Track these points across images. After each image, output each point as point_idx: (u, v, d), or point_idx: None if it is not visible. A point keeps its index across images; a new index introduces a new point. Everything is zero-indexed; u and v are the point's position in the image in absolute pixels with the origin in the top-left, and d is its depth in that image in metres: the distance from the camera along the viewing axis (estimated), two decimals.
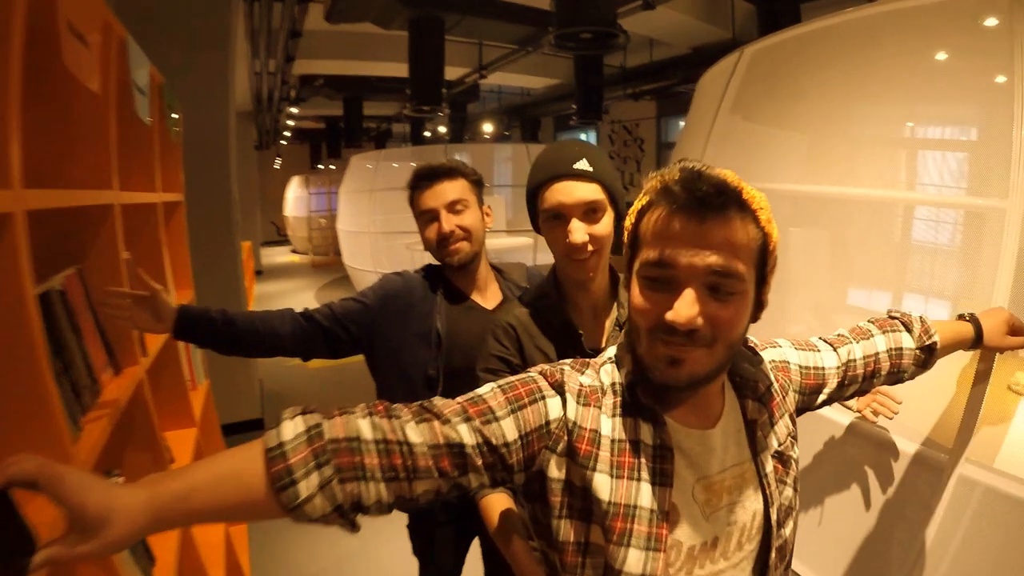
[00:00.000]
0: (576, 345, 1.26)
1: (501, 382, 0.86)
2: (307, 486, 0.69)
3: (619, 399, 0.86)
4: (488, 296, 1.69)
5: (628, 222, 0.88)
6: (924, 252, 1.65)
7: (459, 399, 0.83)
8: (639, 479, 0.81)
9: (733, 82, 2.54)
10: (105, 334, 1.43)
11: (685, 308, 0.75)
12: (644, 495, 0.81)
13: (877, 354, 1.08)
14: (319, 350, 1.59)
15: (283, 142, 16.20)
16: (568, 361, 0.93)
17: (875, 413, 1.40)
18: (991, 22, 1.49)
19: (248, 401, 4.61)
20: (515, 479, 0.83)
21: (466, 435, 0.77)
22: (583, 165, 1.19)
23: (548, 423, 0.82)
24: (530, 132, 13.92)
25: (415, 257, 8.97)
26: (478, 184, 1.65)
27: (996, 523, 1.17)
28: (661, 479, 0.81)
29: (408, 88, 6.43)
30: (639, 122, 11.76)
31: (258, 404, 4.71)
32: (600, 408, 0.85)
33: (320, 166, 18.13)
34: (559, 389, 0.85)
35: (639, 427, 0.83)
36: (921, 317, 1.14)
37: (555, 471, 0.82)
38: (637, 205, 0.86)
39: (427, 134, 13.69)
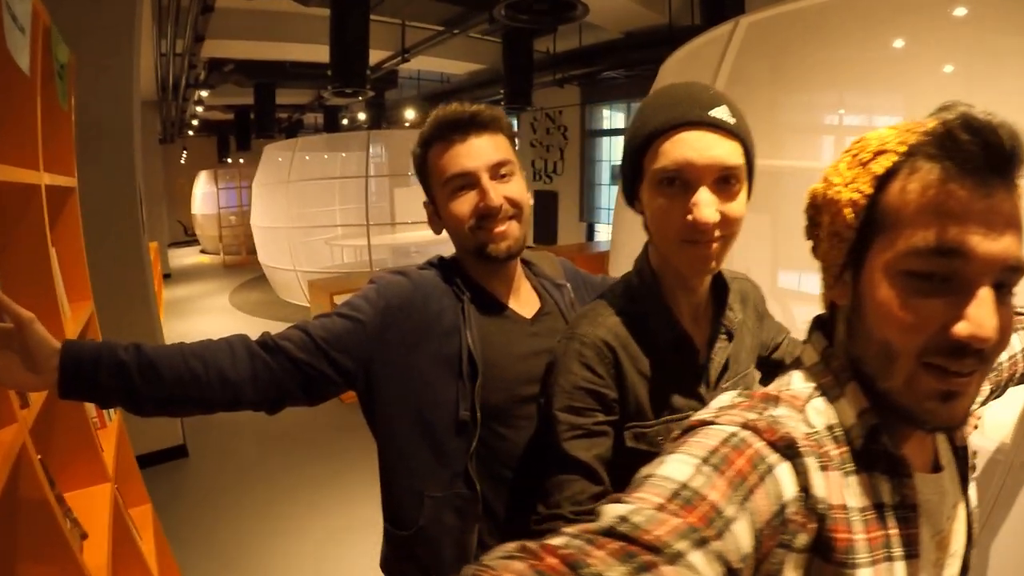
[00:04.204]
0: (689, 366, 0.95)
1: (699, 451, 0.56)
2: None
3: (846, 448, 0.62)
4: (522, 300, 1.21)
5: (848, 194, 0.60)
6: None
7: (655, 494, 0.52)
8: (891, 558, 0.61)
9: (727, 57, 2.35)
10: None
11: (988, 316, 0.54)
12: None
13: (1015, 355, 0.92)
14: (292, 397, 1.05)
15: (190, 133, 15.11)
16: (736, 396, 0.65)
17: None
18: None
19: (167, 426, 4.04)
20: None
21: (706, 569, 0.48)
22: (723, 114, 0.84)
23: (783, 508, 0.56)
24: None
25: (334, 253, 8.56)
26: (514, 142, 1.17)
27: None
28: (909, 549, 0.62)
29: (329, 70, 5.90)
30: (562, 109, 11.58)
31: (179, 428, 4.15)
32: (838, 469, 0.61)
33: (228, 160, 17.04)
34: (789, 451, 0.58)
35: (876, 484, 0.62)
36: None
37: (792, 575, 0.57)
38: (871, 169, 0.59)
39: (344, 122, 13.03)
